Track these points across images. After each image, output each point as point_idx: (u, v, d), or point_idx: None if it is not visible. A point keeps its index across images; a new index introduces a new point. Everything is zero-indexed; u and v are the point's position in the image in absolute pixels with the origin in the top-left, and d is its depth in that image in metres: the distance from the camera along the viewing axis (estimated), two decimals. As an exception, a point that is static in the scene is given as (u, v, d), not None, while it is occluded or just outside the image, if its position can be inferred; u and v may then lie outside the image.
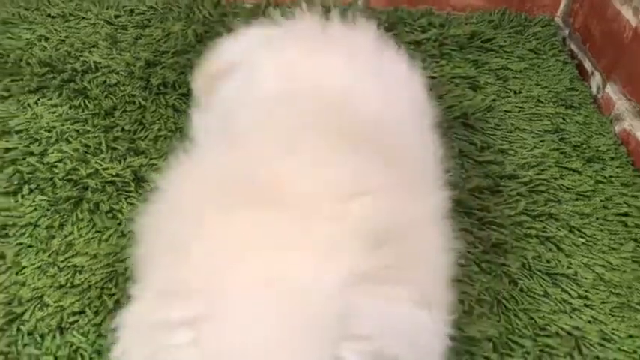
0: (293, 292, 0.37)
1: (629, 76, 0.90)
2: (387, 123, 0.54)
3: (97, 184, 0.74)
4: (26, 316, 0.59)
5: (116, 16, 1.03)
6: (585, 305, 0.66)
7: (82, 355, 0.56)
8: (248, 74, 0.61)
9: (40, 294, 0.61)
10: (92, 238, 0.68)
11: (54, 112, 0.84)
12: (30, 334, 0.57)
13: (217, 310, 0.37)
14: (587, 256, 0.71)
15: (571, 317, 0.64)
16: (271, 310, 0.37)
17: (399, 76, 0.63)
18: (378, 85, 0.58)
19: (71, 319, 0.59)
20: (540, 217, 0.75)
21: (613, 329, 0.63)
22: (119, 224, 0.69)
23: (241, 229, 0.40)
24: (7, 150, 0.77)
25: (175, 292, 0.39)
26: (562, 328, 0.63)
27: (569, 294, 0.66)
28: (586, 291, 0.67)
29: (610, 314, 0.65)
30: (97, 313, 0.60)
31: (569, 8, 1.11)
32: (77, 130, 0.81)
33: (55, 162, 0.76)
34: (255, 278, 0.38)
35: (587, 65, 1.02)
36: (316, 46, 0.61)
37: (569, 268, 0.69)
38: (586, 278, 0.68)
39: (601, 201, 0.79)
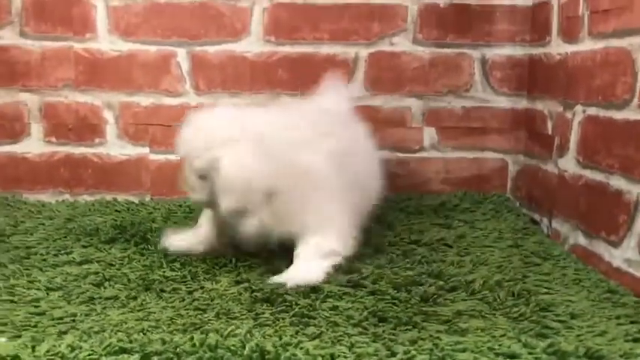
0: None
1: (567, 210, 1.19)
2: None
3: (162, 279, 0.95)
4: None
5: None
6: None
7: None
8: None
9: (125, 320, 0.79)
10: (160, 302, 0.87)
11: (124, 251, 1.08)
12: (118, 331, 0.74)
13: None
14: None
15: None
16: None
17: None
18: None
19: (150, 329, 0.76)
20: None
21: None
22: (182, 296, 0.89)
23: None
24: (89, 269, 1.00)
25: None
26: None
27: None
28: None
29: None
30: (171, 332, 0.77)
31: (514, 185, 1.45)
32: (142, 255, 1.05)
33: (127, 271, 0.98)
34: None
35: (537, 217, 1.31)
36: None
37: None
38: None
39: (563, 274, 0.99)
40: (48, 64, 1.38)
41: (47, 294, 0.89)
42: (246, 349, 0.64)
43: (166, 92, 1.40)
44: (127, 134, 1.40)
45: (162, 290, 0.91)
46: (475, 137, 1.44)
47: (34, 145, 1.40)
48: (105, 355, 0.63)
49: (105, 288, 0.92)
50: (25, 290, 0.89)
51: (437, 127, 1.43)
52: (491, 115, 1.43)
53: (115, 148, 1.41)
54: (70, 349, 0.64)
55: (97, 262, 1.03)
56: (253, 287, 0.91)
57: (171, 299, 0.88)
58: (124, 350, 0.65)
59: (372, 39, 1.40)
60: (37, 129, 1.40)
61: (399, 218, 1.27)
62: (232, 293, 0.89)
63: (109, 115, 1.39)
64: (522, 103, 1.41)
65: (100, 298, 0.88)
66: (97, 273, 0.97)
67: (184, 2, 1.37)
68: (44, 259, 1.03)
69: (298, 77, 1.41)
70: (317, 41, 1.40)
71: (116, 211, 1.33)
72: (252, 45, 1.39)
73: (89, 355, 0.63)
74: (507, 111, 1.43)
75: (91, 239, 1.14)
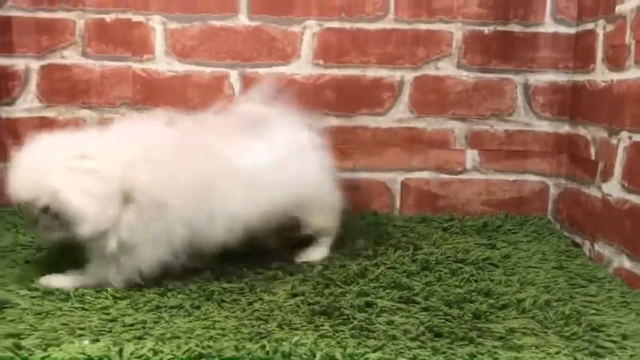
0: None
1: (611, 234, 1.21)
2: None
3: (221, 290, 0.99)
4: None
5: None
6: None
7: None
8: None
9: (193, 328, 0.83)
10: (222, 312, 0.91)
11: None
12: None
13: None
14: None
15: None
16: None
17: None
18: None
19: (218, 336, 0.80)
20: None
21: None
22: (242, 307, 0.93)
23: None
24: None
25: None
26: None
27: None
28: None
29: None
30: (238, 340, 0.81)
31: (555, 207, 1.47)
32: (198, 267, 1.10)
33: (187, 282, 1.03)
34: None
35: (578, 239, 1.33)
36: None
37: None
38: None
39: (610, 296, 1.01)
40: (107, 82, 1.45)
41: (115, 302, 0.93)
42: (317, 357, 0.68)
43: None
44: (180, 151, 1.46)
45: (222, 301, 0.95)
46: (517, 160, 1.47)
47: (91, 160, 1.47)
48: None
49: (168, 297, 0.96)
50: (94, 299, 0.94)
51: (479, 150, 1.47)
52: (533, 139, 1.46)
53: (167, 164, 1.46)
54: (152, 352, 0.68)
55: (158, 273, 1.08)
56: (309, 300, 0.95)
57: (233, 309, 0.92)
58: (202, 355, 0.69)
59: (417, 63, 1.45)
60: (94, 144, 1.46)
61: (444, 237, 1.30)
62: (290, 305, 0.93)
63: (163, 133, 1.45)
64: (564, 128, 1.44)
65: (166, 306, 0.92)
66: (158, 283, 1.02)
67: (238, 26, 1.43)
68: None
69: (345, 99, 1.45)
70: (364, 65, 1.45)
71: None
72: (301, 68, 1.45)
73: (171, 358, 0.67)
74: (549, 135, 1.46)
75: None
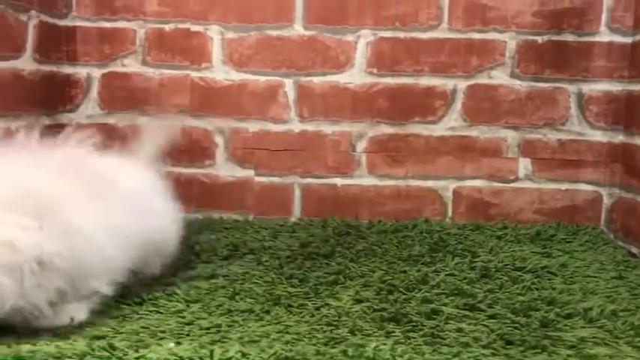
0: None
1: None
2: None
3: (286, 295, 1.01)
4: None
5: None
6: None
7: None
8: None
9: (267, 332, 0.85)
10: (291, 317, 0.93)
11: (242, 267, 1.16)
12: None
13: None
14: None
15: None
16: None
17: None
18: None
19: (294, 341, 0.82)
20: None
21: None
22: (310, 312, 0.95)
23: None
24: (216, 283, 1.07)
25: None
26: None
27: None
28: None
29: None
30: (314, 345, 0.83)
31: (608, 217, 1.47)
32: (260, 272, 1.12)
33: (253, 286, 1.05)
34: None
35: (634, 249, 1.33)
36: None
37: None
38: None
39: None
40: (165, 90, 1.49)
41: (188, 306, 0.96)
42: (400, 362, 0.70)
43: (273, 119, 1.48)
44: (235, 158, 1.49)
45: (290, 305, 0.97)
46: (570, 169, 1.47)
47: (148, 166, 1.51)
48: (273, 362, 0.69)
49: (237, 302, 0.99)
50: (167, 302, 0.97)
51: (532, 159, 1.47)
52: (587, 148, 1.46)
53: (223, 170, 1.50)
54: (240, 354, 0.71)
55: (222, 277, 1.11)
56: (375, 306, 0.96)
57: (302, 314, 0.94)
58: (287, 358, 0.71)
59: (470, 72, 1.46)
60: (152, 150, 1.50)
61: (499, 245, 1.30)
62: (357, 311, 0.95)
63: (219, 140, 1.49)
64: (618, 138, 1.44)
65: (237, 310, 0.94)
66: (224, 287, 1.05)
67: (294, 36, 1.46)
68: (173, 275, 1.12)
69: (398, 107, 1.47)
70: (417, 73, 1.47)
71: (225, 228, 1.41)
72: (355, 76, 1.47)
73: (259, 361, 0.70)
74: (603, 145, 1.45)
75: (210, 256, 1.22)
